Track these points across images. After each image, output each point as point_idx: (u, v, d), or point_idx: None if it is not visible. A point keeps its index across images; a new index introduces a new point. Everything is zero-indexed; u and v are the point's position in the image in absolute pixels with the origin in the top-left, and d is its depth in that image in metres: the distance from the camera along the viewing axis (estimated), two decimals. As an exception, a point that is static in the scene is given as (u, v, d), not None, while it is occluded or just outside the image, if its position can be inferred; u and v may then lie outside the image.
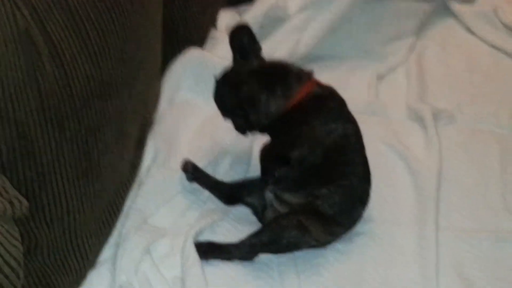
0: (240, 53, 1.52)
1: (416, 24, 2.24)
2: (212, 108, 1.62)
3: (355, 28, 2.15)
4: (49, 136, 1.20)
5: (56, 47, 1.21)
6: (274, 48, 1.99)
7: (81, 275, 1.39)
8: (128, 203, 1.55)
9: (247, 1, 2.13)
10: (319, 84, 1.50)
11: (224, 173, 1.65)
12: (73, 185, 1.28)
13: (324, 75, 1.97)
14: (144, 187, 1.58)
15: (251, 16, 1.98)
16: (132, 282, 1.40)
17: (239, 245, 1.44)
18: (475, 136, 1.85)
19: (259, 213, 1.55)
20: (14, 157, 1.13)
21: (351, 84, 2.01)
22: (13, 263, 0.93)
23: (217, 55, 1.90)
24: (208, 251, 1.45)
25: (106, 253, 1.47)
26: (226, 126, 1.58)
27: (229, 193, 1.58)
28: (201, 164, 1.62)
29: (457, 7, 2.33)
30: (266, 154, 1.53)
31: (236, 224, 1.54)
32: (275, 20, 2.03)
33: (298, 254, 1.48)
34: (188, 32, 1.94)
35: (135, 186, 1.60)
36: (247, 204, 1.56)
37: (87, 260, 1.38)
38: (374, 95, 1.99)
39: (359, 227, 1.53)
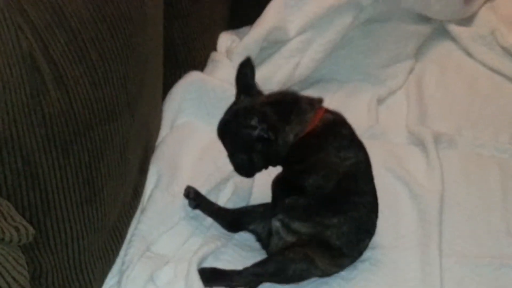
0: (244, 87, 1.49)
1: (415, 47, 2.25)
2: (213, 132, 1.61)
3: (354, 51, 2.15)
4: (53, 161, 1.18)
5: (59, 71, 1.20)
6: (274, 71, 1.99)
7: (86, 304, 1.37)
8: (131, 229, 1.53)
9: (246, 23, 2.12)
10: (329, 111, 1.48)
11: (227, 199, 1.64)
12: (77, 211, 1.26)
13: (324, 99, 1.99)
14: (147, 213, 1.56)
15: (251, 38, 1.96)
16: (136, 311, 1.38)
17: (243, 272, 1.42)
18: (476, 160, 1.85)
19: (262, 240, 1.53)
20: (18, 182, 1.12)
21: (351, 107, 2.00)
22: (20, 291, 0.92)
23: (218, 77, 1.89)
24: (212, 277, 1.43)
25: (110, 281, 1.45)
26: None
27: (232, 220, 1.56)
28: (203, 189, 1.61)
29: (455, 29, 2.34)
30: (279, 184, 1.51)
31: (239, 251, 1.53)
32: (275, 42, 2.02)
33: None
34: (188, 55, 1.93)
35: (137, 212, 1.58)
36: (250, 231, 1.55)
37: (91, 288, 1.36)
38: (374, 118, 1.99)
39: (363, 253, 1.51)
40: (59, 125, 1.19)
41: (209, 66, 1.99)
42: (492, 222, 1.65)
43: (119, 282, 1.43)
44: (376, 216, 1.49)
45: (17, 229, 0.98)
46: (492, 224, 1.65)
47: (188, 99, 1.85)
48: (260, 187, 1.63)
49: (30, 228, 1.01)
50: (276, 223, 1.48)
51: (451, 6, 2.30)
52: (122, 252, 1.49)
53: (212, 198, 1.62)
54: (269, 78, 1.97)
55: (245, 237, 1.56)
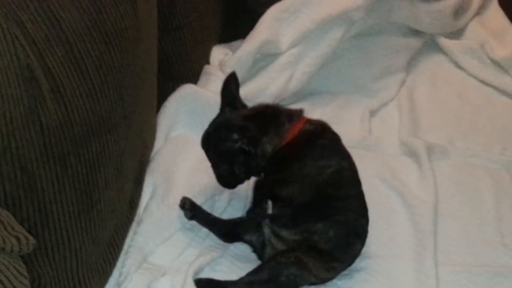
0: (229, 101, 1.54)
1: (406, 60, 2.27)
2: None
3: (346, 64, 2.17)
4: (51, 172, 1.18)
5: (56, 82, 1.21)
6: (267, 83, 2.00)
7: (83, 316, 1.36)
8: (127, 241, 1.53)
9: (239, 37, 2.13)
10: (310, 121, 1.52)
11: (222, 210, 1.65)
12: (74, 222, 1.26)
13: (317, 111, 2.02)
14: (143, 224, 1.56)
15: (243, 52, 1.98)
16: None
17: (238, 282, 1.43)
18: (468, 171, 1.86)
19: (258, 251, 1.53)
20: (17, 193, 1.12)
21: (344, 119, 2.02)
22: (21, 301, 0.92)
23: (211, 90, 1.90)
24: None
25: (107, 293, 1.45)
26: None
27: (227, 231, 1.57)
28: (199, 200, 1.61)
29: (445, 42, 2.37)
30: (259, 189, 1.54)
31: (235, 261, 1.53)
32: (268, 56, 2.04)
33: (298, 288, 1.47)
34: (181, 68, 1.94)
35: (134, 223, 1.58)
36: (246, 242, 1.56)
37: (88, 300, 1.35)
38: (367, 130, 2.01)
39: (358, 263, 1.52)
40: (57, 136, 1.19)
41: (203, 79, 2.00)
42: (486, 231, 1.67)
43: (116, 294, 1.43)
44: (366, 221, 1.50)
45: (17, 239, 0.98)
46: (485, 234, 1.66)
47: (182, 111, 1.85)
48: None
49: (31, 238, 1.01)
50: (267, 231, 1.49)
51: (441, 20, 2.32)
52: (119, 263, 1.49)
53: (207, 209, 1.62)
54: (262, 91, 1.98)
55: (241, 248, 1.56)
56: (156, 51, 1.70)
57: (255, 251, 1.54)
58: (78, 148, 1.26)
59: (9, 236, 0.98)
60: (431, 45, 2.38)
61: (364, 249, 1.51)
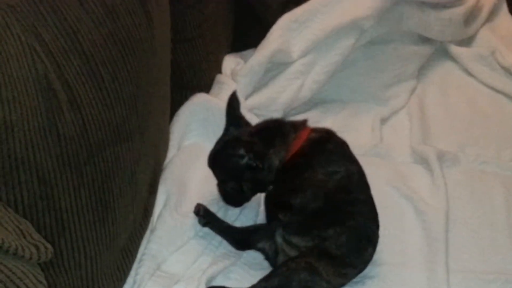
0: (233, 120, 1.57)
1: (416, 67, 2.28)
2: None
3: (356, 72, 2.18)
4: (68, 181, 1.20)
5: (73, 92, 1.23)
6: (278, 92, 2.01)
7: (98, 323, 1.38)
8: (141, 249, 1.54)
9: (251, 46, 2.15)
10: (315, 130, 1.54)
11: (234, 218, 1.66)
12: (90, 230, 1.27)
13: (328, 119, 2.03)
14: (157, 232, 1.57)
15: (255, 61, 1.99)
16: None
17: None
18: (479, 178, 1.87)
19: (270, 258, 1.54)
20: (34, 202, 1.14)
21: (355, 127, 2.04)
22: (40, 309, 0.94)
23: (223, 99, 1.89)
24: None
25: (121, 300, 1.47)
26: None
27: (240, 238, 1.58)
28: (211, 208, 1.63)
29: (455, 49, 2.37)
30: (270, 201, 1.56)
31: (248, 269, 1.54)
32: (279, 64, 2.05)
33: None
34: (194, 77, 1.96)
35: (147, 232, 1.59)
36: (258, 249, 1.57)
37: (103, 308, 1.37)
38: (378, 138, 2.02)
39: (370, 270, 1.53)
40: (74, 146, 1.21)
41: (215, 88, 2.01)
42: (497, 238, 1.67)
43: (130, 302, 1.44)
44: (376, 225, 1.51)
45: (36, 247, 1.00)
46: (497, 240, 1.67)
47: (195, 120, 1.87)
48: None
49: (49, 246, 1.03)
50: (279, 239, 1.51)
51: (452, 27, 2.33)
52: (133, 272, 1.50)
53: (220, 216, 1.63)
54: (274, 100, 2.00)
55: (254, 255, 1.57)
56: (169, 61, 1.72)
57: (267, 258, 1.55)
58: (94, 157, 1.27)
59: (29, 244, 0.99)
60: (441, 52, 2.39)
61: (376, 256, 1.52)
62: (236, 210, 1.66)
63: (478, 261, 1.61)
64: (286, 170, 1.49)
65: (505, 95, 2.24)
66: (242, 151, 1.48)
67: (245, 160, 1.48)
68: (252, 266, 1.55)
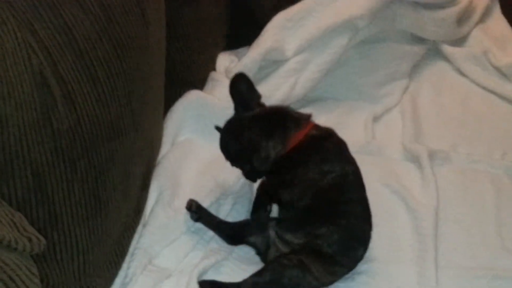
0: (240, 101, 1.57)
1: (410, 66, 2.29)
2: (213, 149, 1.65)
3: (350, 71, 2.20)
4: (61, 175, 1.22)
5: (68, 88, 1.24)
6: (272, 90, 2.02)
7: (89, 317, 1.40)
8: (133, 243, 1.56)
9: (245, 44, 2.16)
10: (317, 127, 1.54)
11: (227, 213, 1.67)
12: (83, 224, 1.29)
13: (321, 117, 2.03)
14: (149, 227, 1.59)
15: (249, 58, 2.00)
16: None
17: (241, 284, 1.45)
18: (470, 176, 1.89)
19: (262, 253, 1.56)
20: (28, 196, 1.15)
21: (348, 125, 2.04)
22: (33, 300, 0.95)
23: (217, 96, 1.93)
24: None
25: (113, 294, 1.48)
26: (228, 167, 1.61)
27: (232, 233, 1.60)
28: (204, 204, 1.64)
29: (448, 49, 2.39)
30: (262, 190, 1.59)
31: (239, 264, 1.56)
32: (273, 62, 2.06)
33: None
34: (188, 74, 1.97)
35: (140, 226, 1.61)
36: (250, 244, 1.58)
37: (95, 301, 1.38)
38: (370, 135, 2.03)
39: (360, 266, 1.54)
40: (68, 140, 1.23)
41: (209, 85, 2.03)
42: (487, 235, 1.69)
43: (122, 295, 1.46)
44: (369, 226, 1.51)
45: (29, 239, 1.01)
46: (486, 238, 1.68)
47: (188, 117, 1.88)
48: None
49: (42, 239, 1.04)
50: (272, 234, 1.53)
51: (445, 27, 2.34)
52: (125, 265, 1.51)
53: (212, 211, 1.64)
54: (268, 98, 1.98)
55: (245, 250, 1.58)
56: (164, 58, 1.73)
57: (259, 253, 1.57)
58: (88, 152, 1.29)
59: (22, 236, 1.01)
60: (434, 52, 2.40)
61: (366, 253, 1.53)
62: (228, 206, 1.68)
63: (467, 257, 1.62)
64: (281, 163, 1.49)
65: (497, 95, 2.26)
66: (241, 137, 1.51)
67: (240, 146, 1.51)
68: (244, 260, 1.57)
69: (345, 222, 1.48)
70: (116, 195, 1.40)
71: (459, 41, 2.45)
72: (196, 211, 1.61)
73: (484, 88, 2.29)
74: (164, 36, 1.71)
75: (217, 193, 1.70)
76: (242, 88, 1.57)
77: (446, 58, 2.40)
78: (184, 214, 1.62)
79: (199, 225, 1.61)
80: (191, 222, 1.61)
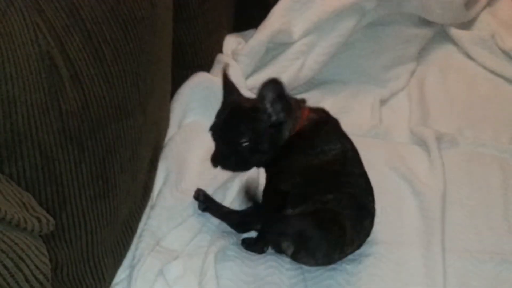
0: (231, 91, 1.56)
1: (417, 50, 2.28)
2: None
3: (357, 53, 2.19)
4: (69, 156, 1.22)
5: (75, 69, 1.24)
6: (279, 72, 2.02)
7: (97, 296, 1.40)
8: (141, 225, 1.57)
9: (252, 26, 2.15)
10: (311, 109, 1.54)
11: (233, 197, 1.67)
12: (91, 205, 1.30)
13: (328, 100, 2.04)
14: (156, 209, 1.59)
15: (256, 41, 2.00)
16: (146, 304, 1.42)
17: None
18: (476, 160, 1.88)
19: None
20: (36, 176, 1.16)
21: (355, 108, 2.05)
22: (41, 278, 0.95)
23: (224, 78, 1.92)
24: None
25: (121, 274, 1.48)
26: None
27: (240, 222, 1.59)
28: (211, 187, 1.65)
29: (455, 32, 2.38)
30: (266, 194, 1.54)
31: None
32: (280, 45, 2.06)
33: (308, 275, 1.50)
34: (195, 56, 1.97)
35: (147, 208, 1.61)
36: (257, 230, 1.57)
37: (103, 281, 1.39)
38: (377, 119, 2.03)
39: (367, 248, 1.55)
40: (75, 121, 1.23)
41: (216, 67, 2.02)
42: (493, 219, 1.69)
43: (129, 276, 1.46)
44: (372, 199, 1.51)
45: (38, 219, 1.02)
46: (493, 221, 1.68)
47: (195, 99, 1.88)
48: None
49: (51, 219, 1.05)
50: None
51: (452, 10, 2.33)
52: (132, 247, 1.52)
53: (219, 196, 1.65)
54: None
55: (253, 234, 1.58)
56: (171, 40, 1.73)
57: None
58: (96, 133, 1.29)
59: (31, 217, 1.02)
60: (441, 35, 2.39)
61: (373, 236, 1.54)
62: (235, 188, 1.68)
63: (474, 241, 1.62)
64: (287, 147, 1.49)
65: (504, 78, 2.25)
66: (275, 106, 1.45)
67: (276, 116, 1.46)
68: (251, 243, 1.57)
69: (351, 190, 1.48)
70: (123, 176, 1.41)
71: (467, 24, 2.43)
72: (204, 201, 1.61)
73: (491, 71, 2.28)
74: (171, 18, 1.71)
75: (224, 175, 1.69)
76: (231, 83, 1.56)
77: (453, 42, 2.38)
78: (191, 196, 1.62)
79: (206, 207, 1.62)
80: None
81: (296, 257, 1.49)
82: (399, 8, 2.22)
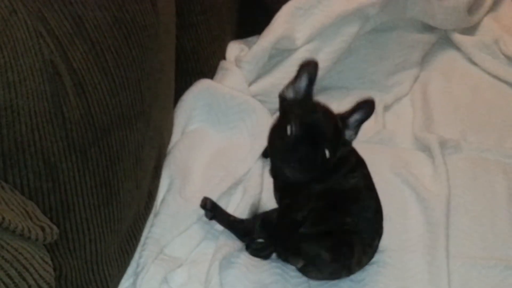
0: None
1: (420, 55, 2.28)
2: (223, 138, 1.64)
3: (360, 59, 2.18)
4: (73, 164, 1.22)
5: (78, 77, 1.24)
6: (282, 78, 2.00)
7: (102, 305, 1.40)
8: (145, 232, 1.56)
9: (255, 33, 2.15)
10: None
11: (237, 203, 1.67)
12: (95, 213, 1.29)
13: (331, 106, 2.01)
14: (160, 216, 1.59)
15: (259, 47, 1.99)
16: (150, 312, 1.41)
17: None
18: (481, 165, 1.88)
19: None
20: (40, 185, 1.16)
21: (358, 114, 2.04)
22: (46, 287, 0.95)
23: (227, 85, 1.92)
24: None
25: (125, 283, 1.49)
26: (237, 156, 1.61)
27: (246, 232, 1.58)
28: (215, 194, 1.64)
29: (458, 37, 2.37)
30: (281, 223, 1.54)
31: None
32: (283, 51, 2.05)
33: (313, 283, 1.50)
34: (198, 63, 1.96)
35: (151, 215, 1.61)
36: (264, 238, 1.58)
37: (107, 290, 1.39)
38: (381, 124, 2.02)
39: (371, 256, 1.55)
40: (79, 129, 1.23)
41: (219, 74, 2.01)
42: (498, 225, 1.69)
43: (134, 284, 1.46)
44: (381, 218, 1.52)
45: (42, 228, 1.02)
46: (497, 227, 1.68)
47: (198, 106, 1.88)
48: (269, 191, 1.63)
49: (55, 228, 1.05)
50: None
51: (455, 16, 2.33)
52: (136, 255, 1.52)
53: (223, 202, 1.65)
54: (278, 86, 1.96)
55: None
56: (174, 47, 1.73)
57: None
58: (99, 141, 1.29)
59: (34, 225, 1.01)
60: (445, 40, 2.38)
61: (378, 242, 1.54)
62: (239, 194, 1.69)
63: (479, 247, 1.63)
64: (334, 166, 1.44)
65: (508, 83, 2.23)
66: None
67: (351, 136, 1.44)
68: (256, 251, 1.57)
69: (367, 215, 1.49)
70: (127, 183, 1.41)
71: (470, 30, 2.42)
72: (211, 209, 1.60)
73: (495, 76, 2.27)
74: (174, 25, 1.71)
75: (228, 182, 1.69)
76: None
77: (456, 47, 2.37)
78: (195, 204, 1.60)
79: (211, 215, 1.62)
80: (202, 211, 1.60)
81: (303, 271, 1.49)
82: (402, 14, 2.21)
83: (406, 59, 2.24)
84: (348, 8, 2.06)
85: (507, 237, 1.66)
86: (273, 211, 1.58)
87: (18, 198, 1.06)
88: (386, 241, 1.56)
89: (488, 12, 2.49)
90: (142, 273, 1.46)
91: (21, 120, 1.11)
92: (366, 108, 1.41)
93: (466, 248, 1.62)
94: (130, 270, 1.50)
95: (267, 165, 1.70)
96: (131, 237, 1.49)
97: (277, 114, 1.49)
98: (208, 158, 1.77)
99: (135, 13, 1.40)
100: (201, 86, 1.91)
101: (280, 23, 2.03)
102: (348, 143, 1.44)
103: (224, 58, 2.10)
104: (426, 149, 1.90)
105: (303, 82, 1.43)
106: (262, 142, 1.70)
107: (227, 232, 1.59)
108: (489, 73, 2.29)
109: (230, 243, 1.56)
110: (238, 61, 2.03)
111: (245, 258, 1.54)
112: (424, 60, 2.31)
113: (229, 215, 1.61)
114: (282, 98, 1.45)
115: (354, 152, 1.52)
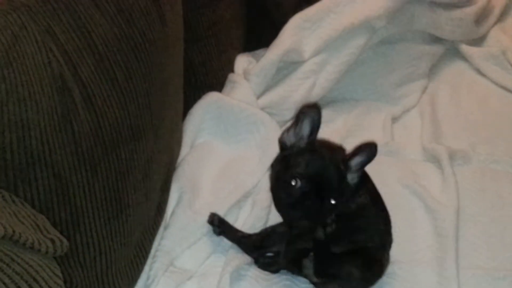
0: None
1: (428, 67, 2.28)
2: (232, 151, 1.64)
3: (369, 71, 2.19)
4: (82, 178, 1.23)
5: (88, 92, 1.25)
6: (290, 91, 2.03)
7: (112, 318, 1.40)
8: (155, 245, 1.57)
9: (262, 46, 2.16)
10: None
11: (246, 216, 1.68)
12: (104, 226, 1.30)
13: (340, 118, 2.04)
14: (170, 229, 1.59)
15: (267, 60, 2.00)
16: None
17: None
18: (490, 176, 1.88)
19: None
20: (50, 198, 1.16)
21: (366, 126, 2.05)
22: (56, 301, 0.96)
23: (236, 98, 1.93)
24: None
25: (135, 296, 1.49)
26: (246, 169, 1.61)
27: (255, 246, 1.58)
28: (224, 206, 1.65)
29: (466, 49, 2.38)
30: (289, 249, 1.54)
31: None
32: (291, 64, 2.06)
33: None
34: (206, 76, 1.97)
35: (161, 228, 1.61)
36: (273, 252, 1.57)
37: (118, 303, 1.39)
38: (389, 136, 2.02)
39: (381, 267, 1.54)
40: (88, 143, 1.24)
41: (227, 87, 2.03)
42: (507, 235, 1.68)
43: (144, 297, 1.47)
44: (390, 227, 1.52)
45: (52, 241, 1.02)
46: (507, 238, 1.67)
47: (207, 119, 1.88)
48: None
49: (65, 240, 1.05)
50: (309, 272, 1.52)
51: (463, 27, 2.33)
52: (147, 267, 1.52)
53: (232, 215, 1.66)
54: (286, 98, 2.01)
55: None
56: (182, 61, 1.74)
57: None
58: (108, 155, 1.30)
59: (44, 238, 1.02)
60: (452, 52, 2.39)
61: (387, 254, 1.54)
62: (248, 207, 1.69)
63: (488, 258, 1.62)
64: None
65: (516, 94, 2.24)
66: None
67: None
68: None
69: (381, 228, 1.50)
70: (137, 196, 1.41)
71: (478, 41, 2.43)
72: (219, 225, 1.60)
73: (503, 87, 2.28)
74: (182, 38, 1.72)
75: (237, 195, 1.70)
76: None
77: (464, 58, 2.38)
78: (205, 216, 1.61)
79: (220, 229, 1.62)
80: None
81: (319, 286, 1.49)
82: (409, 26, 2.22)
83: (413, 70, 2.25)
84: (355, 21, 2.07)
85: (516, 247, 1.65)
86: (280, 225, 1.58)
87: (29, 211, 1.07)
88: (395, 252, 1.56)
89: (495, 23, 2.50)
90: (153, 285, 1.47)
91: (31, 134, 1.12)
92: (368, 151, 1.38)
93: (476, 259, 1.61)
94: (140, 282, 1.50)
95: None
96: (141, 250, 1.49)
97: (287, 123, 1.47)
98: (217, 171, 1.77)
99: (144, 27, 1.40)
100: (210, 99, 1.92)
101: (287, 36, 2.04)
102: (350, 187, 1.39)
103: (232, 71, 2.11)
104: (435, 160, 1.90)
105: (305, 130, 1.36)
106: (270, 155, 1.69)
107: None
108: (497, 84, 2.29)
109: (240, 256, 1.56)
110: (246, 74, 2.04)
111: (255, 271, 1.54)
112: (432, 72, 2.31)
113: (237, 231, 1.61)
114: (283, 144, 1.38)
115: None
